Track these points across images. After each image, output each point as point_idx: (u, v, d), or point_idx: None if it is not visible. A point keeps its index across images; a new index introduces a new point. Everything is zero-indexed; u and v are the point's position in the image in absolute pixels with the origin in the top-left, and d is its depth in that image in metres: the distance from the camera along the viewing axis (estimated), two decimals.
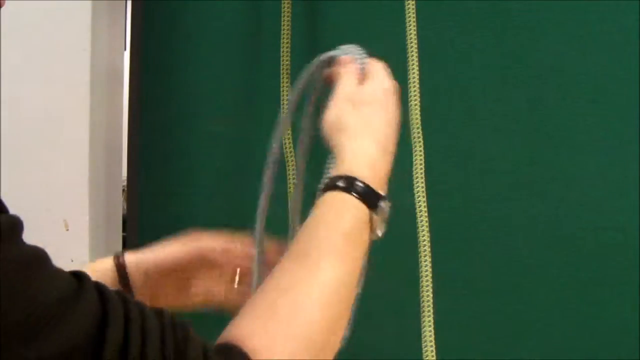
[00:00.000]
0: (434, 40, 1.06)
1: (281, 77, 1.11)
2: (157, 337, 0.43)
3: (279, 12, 1.12)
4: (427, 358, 0.89)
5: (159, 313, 0.45)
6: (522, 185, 1.06)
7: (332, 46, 1.20)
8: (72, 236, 1.18)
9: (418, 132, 0.96)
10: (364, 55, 0.68)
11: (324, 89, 0.72)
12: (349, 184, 0.58)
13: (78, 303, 0.41)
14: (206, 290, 0.73)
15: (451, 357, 0.94)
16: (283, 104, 1.03)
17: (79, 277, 0.43)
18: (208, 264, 0.73)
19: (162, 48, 1.32)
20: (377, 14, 1.14)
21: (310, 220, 0.57)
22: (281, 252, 0.62)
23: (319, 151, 0.73)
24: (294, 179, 0.72)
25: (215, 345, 0.47)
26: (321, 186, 0.60)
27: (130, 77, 1.38)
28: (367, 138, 0.61)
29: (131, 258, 0.72)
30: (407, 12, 0.99)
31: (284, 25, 1.12)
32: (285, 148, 0.78)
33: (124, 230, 1.32)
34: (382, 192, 0.59)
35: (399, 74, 0.99)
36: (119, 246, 1.29)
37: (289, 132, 0.76)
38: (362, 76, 0.67)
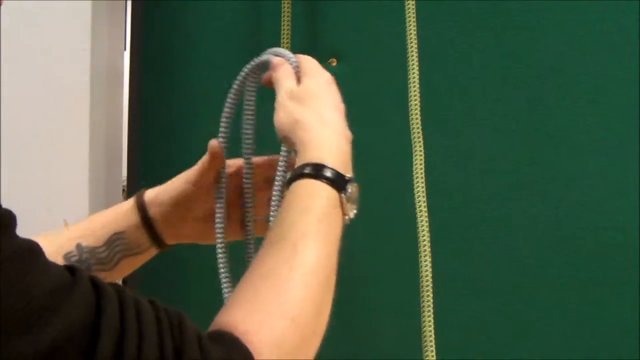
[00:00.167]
0: (434, 40, 1.06)
1: None
2: (153, 326, 0.43)
3: (279, 12, 1.12)
4: (427, 358, 0.89)
5: (153, 302, 0.46)
6: (522, 185, 1.06)
7: (332, 46, 1.20)
8: None
9: (418, 132, 0.96)
10: (293, 55, 0.70)
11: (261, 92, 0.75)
12: (316, 170, 0.59)
13: (72, 294, 0.41)
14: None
15: (451, 357, 0.94)
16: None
17: (72, 270, 0.44)
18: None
19: (162, 48, 1.32)
20: (377, 14, 1.14)
21: (283, 207, 0.59)
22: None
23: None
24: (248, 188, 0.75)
25: (208, 332, 0.48)
26: (289, 176, 0.61)
27: (130, 77, 1.38)
28: (323, 127, 0.63)
29: (150, 193, 0.73)
30: (407, 12, 0.99)
31: (284, 25, 1.12)
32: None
33: None
34: (348, 175, 0.60)
35: (399, 74, 1.00)
36: None
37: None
38: (298, 75, 0.69)
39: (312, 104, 0.65)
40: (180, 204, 0.73)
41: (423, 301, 0.90)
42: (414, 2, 0.99)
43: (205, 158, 0.74)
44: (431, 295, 0.90)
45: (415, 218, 0.93)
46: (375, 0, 1.14)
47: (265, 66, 0.74)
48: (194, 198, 0.73)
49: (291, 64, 0.69)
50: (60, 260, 0.67)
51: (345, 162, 0.62)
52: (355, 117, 1.13)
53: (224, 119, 0.75)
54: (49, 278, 0.41)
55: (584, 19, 1.02)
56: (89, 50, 1.19)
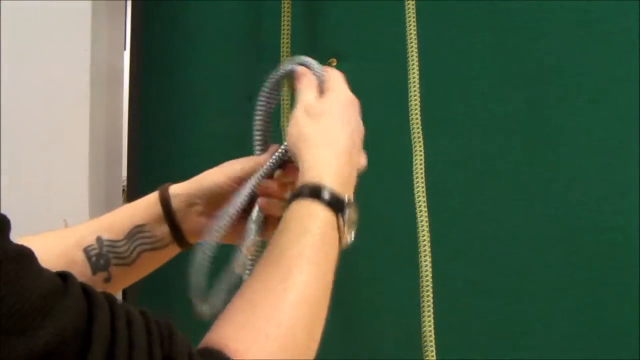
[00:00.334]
0: (434, 40, 1.06)
1: None
2: (143, 335, 0.43)
3: (279, 12, 1.12)
4: (427, 358, 0.89)
5: (144, 313, 0.46)
6: (522, 185, 1.06)
7: (332, 46, 1.20)
8: None
9: (418, 132, 0.96)
10: (321, 67, 0.70)
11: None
12: (315, 192, 0.59)
13: (65, 300, 0.41)
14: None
15: (451, 357, 0.94)
16: (283, 105, 1.03)
17: (64, 276, 0.44)
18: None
19: (162, 48, 1.32)
20: (377, 14, 1.14)
21: (280, 228, 0.59)
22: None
23: None
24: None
25: (198, 349, 0.48)
26: (288, 196, 0.61)
27: (130, 77, 1.38)
28: (327, 148, 0.63)
29: (177, 186, 0.73)
30: (407, 12, 0.99)
31: (284, 25, 1.12)
32: None
33: None
34: (347, 199, 0.60)
35: (399, 74, 1.00)
36: None
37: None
38: (321, 88, 0.69)
39: (324, 122, 0.65)
40: (211, 198, 0.71)
41: (423, 301, 0.90)
42: (414, 2, 0.99)
43: (259, 159, 0.73)
44: (431, 295, 0.90)
45: (415, 218, 0.92)
46: (375, 0, 1.14)
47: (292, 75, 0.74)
48: (227, 195, 0.72)
49: (316, 75, 0.69)
50: (80, 254, 0.67)
51: (345, 185, 0.61)
52: None
53: (257, 131, 0.74)
54: (42, 282, 0.41)
55: (584, 19, 1.02)
56: (89, 50, 1.19)
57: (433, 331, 0.89)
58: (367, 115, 1.15)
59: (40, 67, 1.18)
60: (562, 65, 1.03)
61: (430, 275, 0.91)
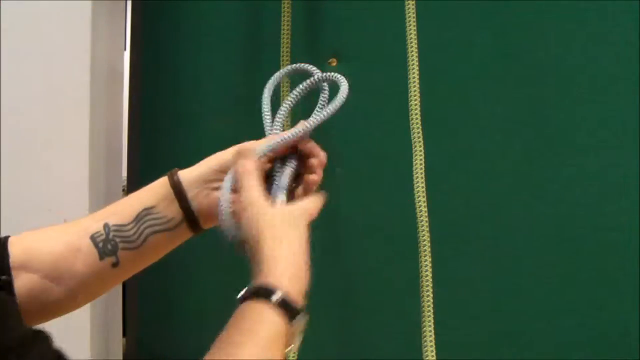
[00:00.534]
0: (434, 40, 1.06)
1: None
2: None
3: (279, 12, 1.12)
4: (427, 358, 0.89)
5: None
6: (522, 185, 1.06)
7: (332, 46, 1.20)
8: None
9: (418, 132, 0.96)
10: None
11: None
12: (267, 294, 0.58)
13: (35, 346, 0.42)
14: None
15: (451, 357, 0.94)
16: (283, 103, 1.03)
17: (36, 330, 0.45)
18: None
19: (162, 48, 1.32)
20: (377, 14, 1.14)
21: (230, 325, 0.58)
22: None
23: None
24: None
25: None
26: (240, 295, 0.60)
27: (130, 77, 1.38)
28: (288, 253, 0.62)
29: (184, 170, 0.71)
30: (407, 12, 0.99)
31: (284, 25, 1.12)
32: None
33: None
34: (299, 305, 0.59)
35: (399, 74, 1.00)
36: None
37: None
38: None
39: (289, 227, 0.63)
40: (225, 170, 0.69)
41: (423, 301, 0.90)
42: (414, 2, 0.99)
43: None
44: (431, 295, 0.90)
45: (415, 218, 0.93)
46: (375, 0, 1.14)
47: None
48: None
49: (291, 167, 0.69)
50: (86, 241, 0.67)
51: (298, 291, 0.60)
52: (355, 117, 1.14)
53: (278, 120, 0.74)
54: (15, 327, 0.42)
55: (584, 19, 1.02)
56: (89, 50, 1.19)
57: (433, 331, 0.89)
58: (367, 115, 1.16)
59: (40, 67, 1.18)
60: (562, 65, 1.03)
61: (430, 275, 0.91)
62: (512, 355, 1.06)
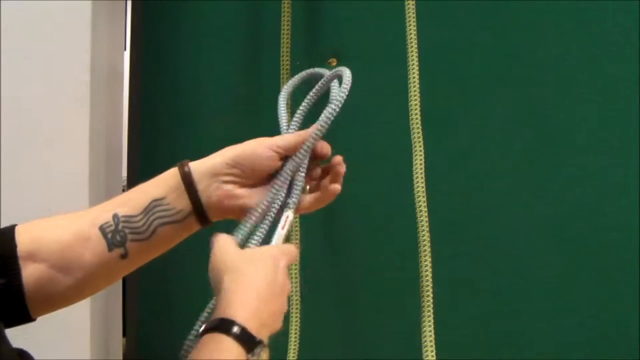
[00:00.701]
0: (434, 40, 1.06)
1: (281, 77, 1.11)
2: None
3: (279, 12, 1.12)
4: (427, 358, 0.89)
5: None
6: (522, 185, 1.06)
7: (332, 46, 1.20)
8: None
9: (418, 132, 0.96)
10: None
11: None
12: (227, 326, 0.59)
13: None
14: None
15: (451, 357, 0.94)
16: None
17: (20, 351, 0.44)
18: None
19: (162, 48, 1.32)
20: (377, 14, 1.14)
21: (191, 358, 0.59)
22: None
23: None
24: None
25: None
26: (200, 328, 0.61)
27: (130, 77, 1.38)
28: (250, 289, 0.63)
29: (195, 163, 0.71)
30: (407, 12, 0.99)
31: (284, 25, 1.12)
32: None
33: None
34: (260, 339, 0.60)
35: (399, 74, 1.00)
36: None
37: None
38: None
39: (248, 267, 0.65)
40: (244, 164, 0.70)
41: (423, 301, 0.90)
42: (414, 2, 0.99)
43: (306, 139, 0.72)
44: (431, 295, 0.90)
45: (415, 218, 0.93)
46: (375, 0, 1.14)
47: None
48: (264, 165, 0.70)
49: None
50: (95, 231, 0.66)
51: (260, 326, 0.61)
52: (355, 117, 1.14)
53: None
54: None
55: (584, 19, 1.02)
56: (89, 50, 1.19)
57: (433, 331, 0.89)
58: (367, 115, 1.16)
59: (40, 67, 1.18)
60: (562, 65, 1.03)
61: (430, 275, 0.91)
62: (512, 355, 1.06)
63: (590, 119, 1.02)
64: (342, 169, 0.72)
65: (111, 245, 0.67)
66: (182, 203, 0.69)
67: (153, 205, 0.68)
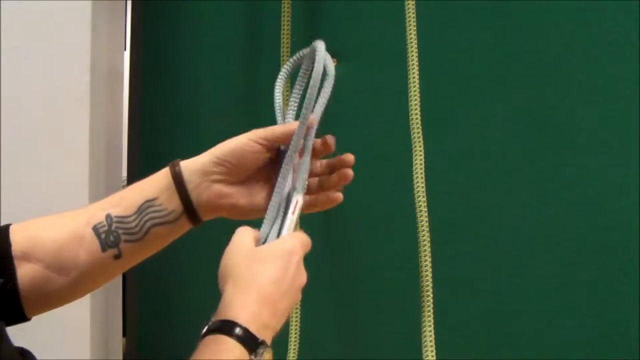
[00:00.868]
0: (434, 40, 1.06)
1: None
2: None
3: (279, 12, 1.12)
4: (427, 358, 0.89)
5: None
6: (522, 185, 1.06)
7: (332, 46, 1.20)
8: None
9: (418, 132, 0.96)
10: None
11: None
12: (229, 327, 0.60)
13: None
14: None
15: (451, 357, 0.94)
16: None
17: (22, 350, 0.45)
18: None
19: (162, 48, 1.32)
20: (377, 14, 1.14)
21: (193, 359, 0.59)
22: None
23: None
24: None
25: None
26: (203, 329, 0.61)
27: (130, 77, 1.38)
28: (251, 292, 0.63)
29: (186, 161, 0.71)
30: (407, 12, 0.99)
31: (284, 25, 1.12)
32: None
33: None
34: (262, 340, 0.60)
35: (399, 74, 1.00)
36: None
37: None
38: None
39: (255, 266, 0.64)
40: (231, 160, 0.70)
41: (423, 301, 0.90)
42: (414, 2, 0.99)
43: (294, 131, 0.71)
44: (431, 295, 0.90)
45: (415, 218, 0.92)
46: (375, 0, 1.14)
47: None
48: (249, 155, 0.70)
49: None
50: (89, 231, 0.67)
51: (263, 326, 0.61)
52: (355, 117, 1.14)
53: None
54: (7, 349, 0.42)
55: (584, 19, 1.02)
56: (89, 50, 1.19)
57: (433, 331, 0.89)
58: (368, 115, 1.16)
59: (40, 67, 1.18)
60: (562, 65, 1.03)
61: (430, 275, 0.91)
62: (512, 355, 1.06)
63: (590, 119, 1.02)
64: (350, 173, 0.72)
65: (105, 245, 0.67)
66: (174, 204, 0.69)
67: (146, 206, 0.69)
